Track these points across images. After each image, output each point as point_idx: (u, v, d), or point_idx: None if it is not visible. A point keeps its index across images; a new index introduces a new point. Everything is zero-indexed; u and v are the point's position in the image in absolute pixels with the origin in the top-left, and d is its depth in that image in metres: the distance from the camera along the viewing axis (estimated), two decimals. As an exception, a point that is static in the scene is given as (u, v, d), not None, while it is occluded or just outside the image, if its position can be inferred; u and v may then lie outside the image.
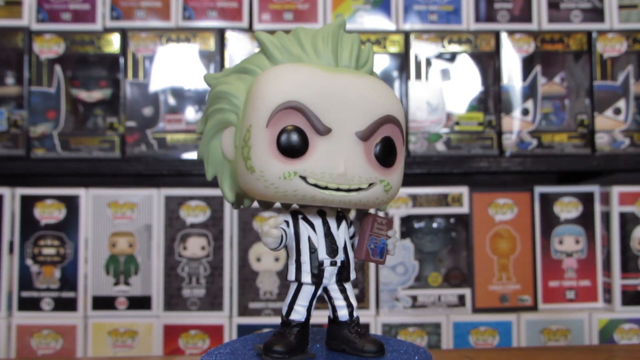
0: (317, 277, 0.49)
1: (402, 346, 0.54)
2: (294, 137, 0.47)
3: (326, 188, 0.47)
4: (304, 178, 0.47)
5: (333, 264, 0.50)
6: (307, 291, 0.49)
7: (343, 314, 0.51)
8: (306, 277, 0.49)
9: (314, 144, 0.47)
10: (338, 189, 0.48)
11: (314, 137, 0.47)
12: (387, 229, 0.53)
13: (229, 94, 0.50)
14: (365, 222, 0.52)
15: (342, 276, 0.51)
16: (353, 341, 0.51)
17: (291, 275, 0.50)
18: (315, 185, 0.47)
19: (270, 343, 0.48)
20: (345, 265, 0.51)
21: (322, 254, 0.50)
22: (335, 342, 0.52)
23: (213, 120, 0.51)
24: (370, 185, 0.49)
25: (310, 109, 0.47)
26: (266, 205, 0.55)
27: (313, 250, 0.49)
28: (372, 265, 1.19)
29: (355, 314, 0.52)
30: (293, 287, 0.50)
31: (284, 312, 0.50)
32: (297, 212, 0.51)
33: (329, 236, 0.50)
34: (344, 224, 0.52)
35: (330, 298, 0.51)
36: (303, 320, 0.50)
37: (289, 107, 0.47)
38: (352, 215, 0.56)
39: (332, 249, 0.50)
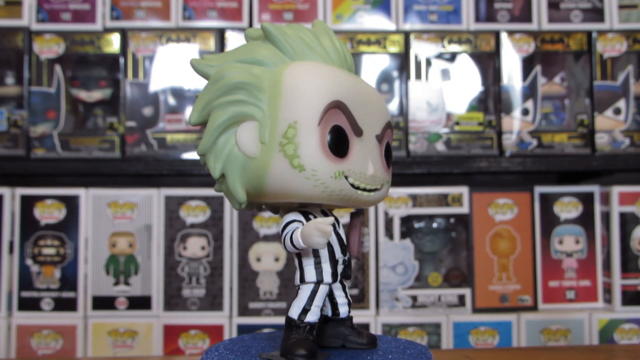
0: (335, 275, 0.50)
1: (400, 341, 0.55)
2: (342, 137, 0.47)
3: (358, 188, 0.48)
4: (346, 178, 0.47)
5: (344, 262, 0.50)
6: (323, 291, 0.49)
7: (344, 310, 0.52)
8: (327, 277, 0.49)
9: (352, 145, 0.48)
10: (365, 189, 0.49)
11: (352, 138, 0.48)
12: (363, 226, 0.53)
13: (252, 85, 0.47)
14: (357, 220, 0.53)
15: (345, 274, 0.51)
16: (353, 336, 0.52)
17: (310, 277, 0.49)
18: (352, 185, 0.48)
19: (292, 347, 0.47)
20: (349, 263, 0.51)
21: (338, 253, 0.50)
22: (333, 339, 0.52)
23: (226, 113, 0.47)
24: (382, 185, 0.51)
25: (350, 109, 0.48)
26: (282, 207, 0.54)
27: (331, 250, 0.49)
28: (372, 266, 1.20)
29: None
30: (309, 288, 0.49)
31: (295, 315, 0.48)
32: (307, 212, 0.50)
33: (337, 235, 0.50)
34: (340, 223, 0.52)
35: (332, 296, 0.51)
36: (317, 320, 0.49)
37: (335, 106, 0.47)
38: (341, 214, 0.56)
39: (342, 248, 0.50)
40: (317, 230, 0.45)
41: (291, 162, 0.46)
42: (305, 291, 0.49)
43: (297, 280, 0.49)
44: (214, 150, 0.48)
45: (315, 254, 0.49)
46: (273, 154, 0.46)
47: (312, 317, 0.48)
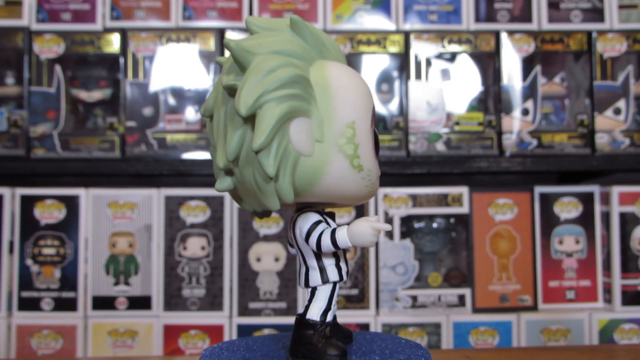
0: (348, 274, 0.50)
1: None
2: (377, 139, 0.49)
3: None
4: None
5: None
6: (337, 290, 0.49)
7: (334, 309, 0.52)
8: (344, 275, 0.49)
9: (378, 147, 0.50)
10: None
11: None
12: None
13: (306, 80, 0.46)
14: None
15: None
16: (339, 332, 0.52)
17: (333, 276, 0.49)
18: None
19: (324, 348, 0.47)
20: None
21: (346, 251, 0.50)
22: None
23: (285, 106, 0.44)
24: None
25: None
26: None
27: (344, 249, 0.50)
28: (372, 266, 1.19)
29: None
30: (328, 288, 0.49)
31: (317, 316, 0.48)
32: (320, 212, 0.50)
33: None
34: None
35: None
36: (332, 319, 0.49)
37: (373, 109, 0.49)
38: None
39: None
40: (373, 230, 0.45)
41: (351, 162, 0.46)
42: (324, 291, 0.49)
43: (317, 281, 0.49)
44: (269, 146, 0.44)
45: (335, 253, 0.49)
46: (331, 153, 0.46)
47: (330, 316, 0.49)
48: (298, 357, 0.48)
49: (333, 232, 0.46)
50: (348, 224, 0.48)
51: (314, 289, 0.49)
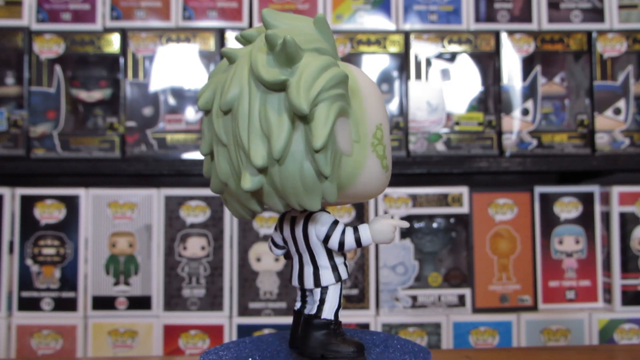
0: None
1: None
2: None
3: None
4: None
5: None
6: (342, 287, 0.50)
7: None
8: (348, 272, 0.50)
9: None
10: None
11: None
12: None
13: (348, 80, 0.45)
14: None
15: None
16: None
17: (343, 274, 0.49)
18: None
19: (342, 345, 0.48)
20: None
21: None
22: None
23: (337, 106, 0.44)
24: None
25: None
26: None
27: None
28: (372, 266, 1.20)
29: None
30: (337, 286, 0.49)
31: (331, 315, 0.48)
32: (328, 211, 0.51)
33: None
34: None
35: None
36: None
37: None
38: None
39: None
40: (393, 227, 0.47)
41: (382, 162, 0.48)
42: (335, 290, 0.49)
43: (330, 280, 0.49)
44: (327, 145, 0.44)
45: (343, 252, 0.50)
46: (367, 153, 0.47)
47: (339, 314, 0.49)
48: (317, 358, 0.48)
49: (355, 231, 0.48)
50: (351, 223, 0.48)
51: (324, 288, 0.49)
